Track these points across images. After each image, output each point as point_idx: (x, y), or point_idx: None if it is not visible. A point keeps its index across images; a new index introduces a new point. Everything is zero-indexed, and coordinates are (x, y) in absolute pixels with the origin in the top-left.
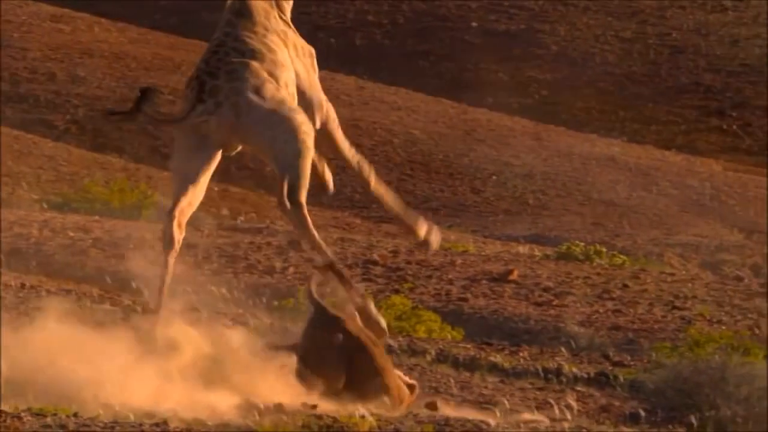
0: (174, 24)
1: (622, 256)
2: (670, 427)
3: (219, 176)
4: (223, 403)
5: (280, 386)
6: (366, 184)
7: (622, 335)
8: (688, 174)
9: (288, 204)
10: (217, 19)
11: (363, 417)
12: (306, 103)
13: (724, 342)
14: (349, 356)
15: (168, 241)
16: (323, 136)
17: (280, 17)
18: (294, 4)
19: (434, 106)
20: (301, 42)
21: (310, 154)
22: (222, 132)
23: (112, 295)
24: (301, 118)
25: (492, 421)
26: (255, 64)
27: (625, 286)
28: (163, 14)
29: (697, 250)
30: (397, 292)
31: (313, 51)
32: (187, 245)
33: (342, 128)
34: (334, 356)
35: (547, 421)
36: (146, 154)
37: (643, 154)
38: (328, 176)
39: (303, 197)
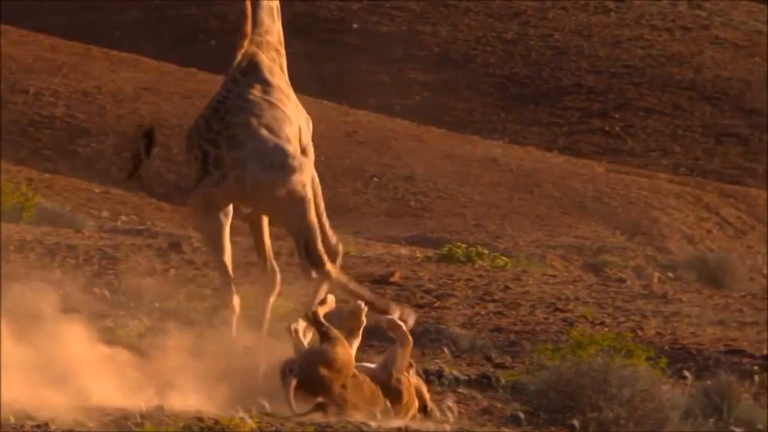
0: (55, 26)
1: (503, 258)
2: (552, 429)
3: (100, 178)
4: (105, 404)
5: (163, 388)
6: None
7: (503, 337)
8: (570, 176)
9: (313, 271)
10: (98, 20)
11: (243, 419)
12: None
13: (607, 344)
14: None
15: (232, 308)
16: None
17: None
18: (175, 5)
19: (315, 107)
20: (297, 101)
21: (312, 207)
22: (229, 200)
23: None
24: (298, 177)
25: (373, 423)
26: (254, 122)
27: (507, 287)
28: (44, 16)
29: (579, 252)
30: (278, 294)
31: (309, 117)
32: (68, 247)
33: None
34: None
35: (428, 423)
36: (27, 156)
37: (525, 156)
38: None
39: (320, 249)
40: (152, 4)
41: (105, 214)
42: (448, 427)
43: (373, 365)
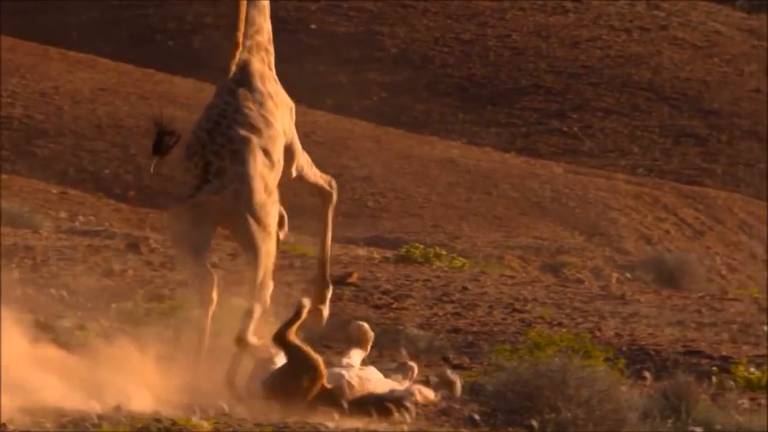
0: (13, 26)
1: (461, 259)
2: (510, 429)
3: (57, 179)
4: (63, 405)
5: (122, 388)
6: (327, 200)
7: (461, 338)
8: (528, 176)
9: (255, 306)
10: (56, 21)
11: (201, 420)
12: (287, 155)
13: (565, 344)
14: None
15: (209, 301)
16: (299, 178)
17: (270, 70)
18: (132, 5)
19: None
20: (284, 97)
21: (273, 250)
22: (220, 211)
23: None
24: (273, 215)
25: (330, 424)
26: (255, 141)
27: (465, 288)
28: (1, 17)
29: (537, 253)
30: (236, 294)
31: (293, 106)
32: (25, 247)
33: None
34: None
35: (385, 424)
36: None
37: (483, 157)
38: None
39: (267, 294)
40: (110, 4)
41: (63, 214)
42: (405, 427)
43: (399, 384)
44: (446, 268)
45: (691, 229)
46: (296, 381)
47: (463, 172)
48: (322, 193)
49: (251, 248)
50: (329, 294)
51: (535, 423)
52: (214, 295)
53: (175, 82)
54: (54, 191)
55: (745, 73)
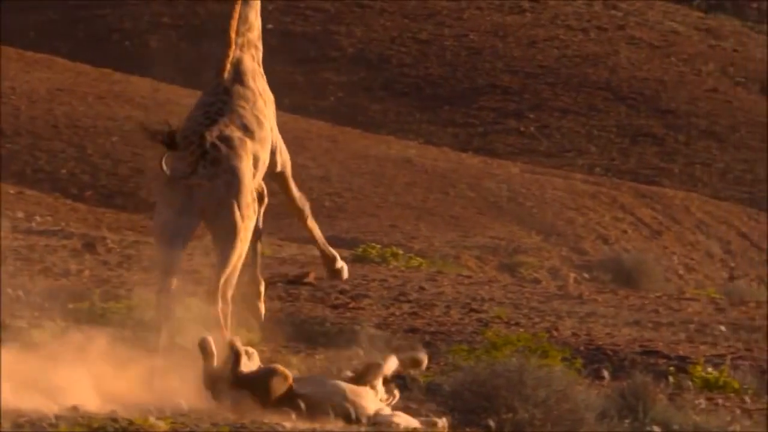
0: None
1: (418, 259)
2: (467, 429)
3: (14, 179)
4: (20, 405)
5: (79, 388)
6: (303, 219)
7: (418, 338)
8: (485, 176)
9: (211, 297)
10: (13, 20)
11: (158, 420)
12: (272, 150)
13: (522, 344)
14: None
15: (168, 288)
16: (277, 176)
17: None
18: (89, 5)
19: None
20: (269, 93)
21: (244, 252)
22: (207, 200)
23: None
24: (252, 223)
25: (287, 424)
26: (249, 144)
27: (422, 288)
28: None
29: (494, 253)
30: (193, 294)
31: (272, 98)
32: None
33: (135, 131)
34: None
35: (340, 424)
36: None
37: (440, 156)
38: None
39: (220, 286)
40: (67, 4)
41: (20, 214)
42: (363, 428)
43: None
44: (403, 268)
45: (649, 229)
46: (266, 392)
47: (419, 172)
48: (296, 210)
49: (227, 242)
50: (339, 261)
51: (492, 423)
52: (174, 286)
53: (132, 82)
54: (11, 191)
55: (702, 73)
